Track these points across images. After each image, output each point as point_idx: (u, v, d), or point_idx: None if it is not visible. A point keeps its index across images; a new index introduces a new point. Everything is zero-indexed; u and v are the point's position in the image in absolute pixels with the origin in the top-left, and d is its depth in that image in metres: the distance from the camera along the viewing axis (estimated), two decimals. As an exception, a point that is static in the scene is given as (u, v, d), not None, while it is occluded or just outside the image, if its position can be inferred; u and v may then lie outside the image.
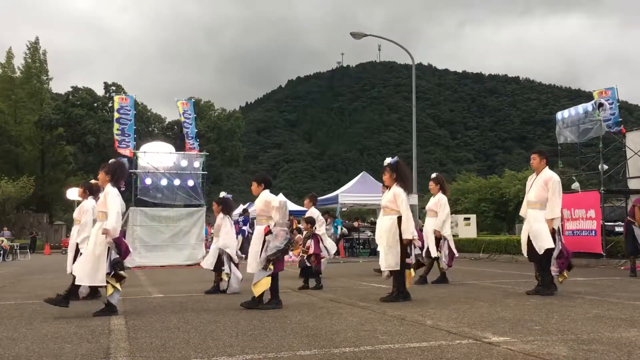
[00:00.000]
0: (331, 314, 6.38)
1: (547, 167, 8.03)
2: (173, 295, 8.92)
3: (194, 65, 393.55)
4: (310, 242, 9.73)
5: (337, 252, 21.78)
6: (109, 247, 6.56)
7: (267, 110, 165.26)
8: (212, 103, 74.60)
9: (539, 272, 7.88)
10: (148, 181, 18.70)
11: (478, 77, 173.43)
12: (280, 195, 7.28)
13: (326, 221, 24.03)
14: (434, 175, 10.53)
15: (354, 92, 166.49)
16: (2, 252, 25.65)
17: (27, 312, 6.68)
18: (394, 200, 7.33)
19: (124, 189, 7.20)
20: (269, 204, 7.08)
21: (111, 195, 6.68)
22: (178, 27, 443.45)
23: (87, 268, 6.55)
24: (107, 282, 6.56)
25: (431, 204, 10.28)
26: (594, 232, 14.75)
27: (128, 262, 17.87)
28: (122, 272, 6.61)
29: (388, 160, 7.64)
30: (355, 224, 26.64)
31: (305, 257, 9.69)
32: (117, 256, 6.58)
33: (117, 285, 6.62)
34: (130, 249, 8.56)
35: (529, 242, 7.84)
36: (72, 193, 9.76)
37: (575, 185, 16.50)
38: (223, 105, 74.29)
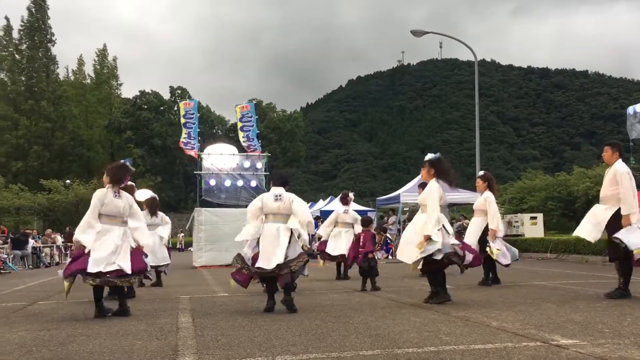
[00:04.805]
0: (394, 314, 6.36)
1: (620, 159, 7.49)
2: (238, 294, 9.08)
3: (240, 69, 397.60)
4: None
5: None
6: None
7: (328, 111, 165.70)
8: (274, 105, 75.73)
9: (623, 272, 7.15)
10: (212, 182, 19.15)
11: (544, 72, 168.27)
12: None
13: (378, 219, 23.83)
14: (481, 172, 10.24)
15: (415, 90, 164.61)
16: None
17: (100, 309, 6.95)
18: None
19: (123, 185, 7.35)
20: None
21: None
22: (220, 33, 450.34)
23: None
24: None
25: (478, 203, 9.81)
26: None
27: (195, 261, 18.30)
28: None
29: (430, 155, 7.34)
30: None
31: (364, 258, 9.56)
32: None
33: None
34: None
35: (609, 239, 7.10)
36: (141, 194, 10.13)
37: (648, 182, 15.81)
38: (276, 107, 75.03)
